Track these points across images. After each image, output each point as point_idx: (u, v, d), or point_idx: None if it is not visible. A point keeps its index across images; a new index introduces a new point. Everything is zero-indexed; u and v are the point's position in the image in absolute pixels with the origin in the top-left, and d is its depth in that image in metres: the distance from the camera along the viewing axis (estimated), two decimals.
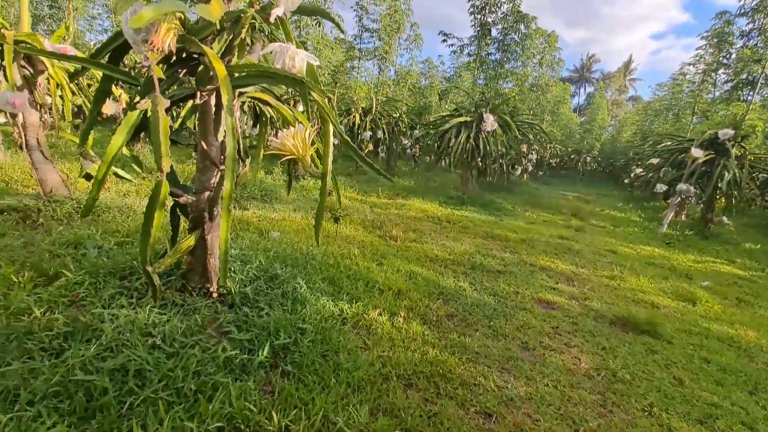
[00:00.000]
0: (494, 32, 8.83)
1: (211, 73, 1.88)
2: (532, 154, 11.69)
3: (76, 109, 6.77)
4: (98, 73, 4.04)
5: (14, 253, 2.89)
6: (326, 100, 1.68)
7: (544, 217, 8.82)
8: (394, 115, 11.06)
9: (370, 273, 3.56)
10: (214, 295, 2.48)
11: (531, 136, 10.06)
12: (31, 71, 3.70)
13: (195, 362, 1.86)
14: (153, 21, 1.28)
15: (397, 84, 13.08)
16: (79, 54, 3.25)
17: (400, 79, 13.21)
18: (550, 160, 18.54)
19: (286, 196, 6.41)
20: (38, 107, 3.90)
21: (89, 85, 6.10)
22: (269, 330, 2.26)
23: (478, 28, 8.66)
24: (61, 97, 4.02)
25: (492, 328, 2.99)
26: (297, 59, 1.70)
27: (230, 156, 1.64)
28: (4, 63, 3.19)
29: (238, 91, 1.98)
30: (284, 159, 1.91)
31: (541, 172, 17.84)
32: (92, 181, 2.11)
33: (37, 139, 3.98)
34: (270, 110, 2.48)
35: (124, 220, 4.00)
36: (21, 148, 4.27)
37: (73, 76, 3.15)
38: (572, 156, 22.64)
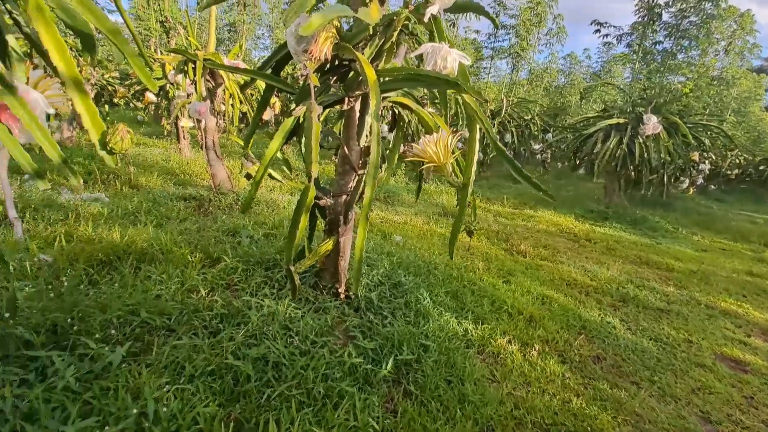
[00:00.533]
0: (665, 16, 7.33)
1: (360, 79, 1.88)
2: (704, 163, 9.37)
3: (240, 115, 7.97)
4: (261, 85, 4.63)
5: (191, 236, 3.45)
6: (478, 103, 1.50)
7: (722, 244, 6.98)
8: (526, 117, 10.22)
9: (497, 291, 3.24)
10: (342, 296, 2.53)
11: (707, 142, 8.04)
12: (213, 84, 4.43)
13: (324, 364, 1.88)
14: (314, 31, 1.28)
15: (530, 83, 12.08)
16: (248, 67, 3.74)
17: (534, 78, 12.16)
18: (728, 172, 14.68)
19: (408, 199, 6.44)
20: (215, 114, 4.66)
21: (251, 95, 7.13)
22: (393, 342, 2.18)
23: (644, 13, 7.30)
24: (232, 105, 4.73)
25: (656, 385, 2.38)
26: (449, 59, 1.54)
27: (373, 163, 1.58)
28: (195, 78, 3.86)
29: (382, 95, 1.94)
30: (424, 167, 1.78)
31: (713, 186, 14.28)
32: (251, 180, 2.34)
33: (213, 140, 4.76)
34: (407, 115, 2.41)
35: (270, 214, 4.49)
36: (201, 148, 5.18)
37: (244, 87, 3.64)
38: (761, 167, 17.62)
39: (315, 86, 1.61)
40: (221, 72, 4.14)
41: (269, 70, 2.18)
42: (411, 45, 2.10)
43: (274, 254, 2.95)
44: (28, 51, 1.63)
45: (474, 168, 1.73)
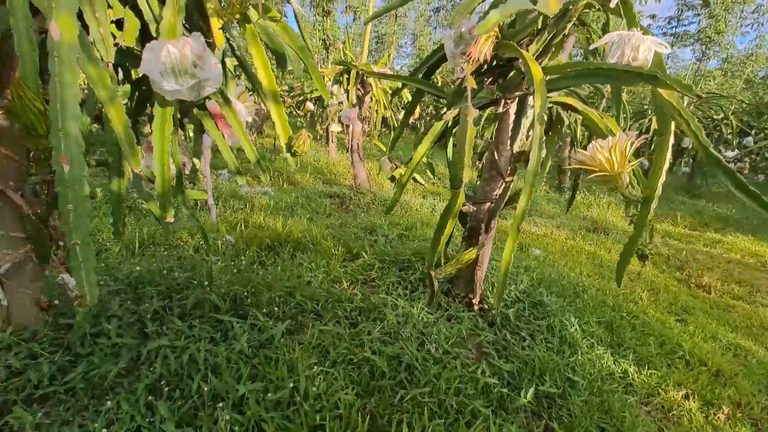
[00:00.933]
0: None
1: (520, 79, 1.74)
2: None
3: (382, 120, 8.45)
4: (408, 95, 4.81)
5: (335, 230, 3.80)
6: (682, 101, 1.20)
7: None
8: (715, 116, 8.17)
9: (667, 330, 2.64)
10: (476, 308, 2.41)
11: None
12: (362, 92, 4.80)
13: (456, 377, 1.81)
14: (491, 29, 1.22)
15: (725, 74, 9.63)
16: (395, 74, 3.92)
17: (730, 68, 9.64)
18: None
19: (549, 209, 5.85)
20: (362, 119, 5.04)
21: (391, 101, 7.52)
22: (533, 368, 1.97)
23: None
24: (376, 111, 5.04)
25: None
26: (642, 49, 1.29)
27: (533, 170, 1.43)
28: (348, 87, 4.24)
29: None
30: (592, 176, 1.54)
31: None
32: (396, 183, 2.42)
33: (357, 144, 5.16)
34: (567, 116, 2.15)
35: (404, 215, 4.64)
36: (347, 150, 5.67)
37: (395, 93, 3.83)
38: None
39: (473, 89, 1.54)
40: (370, 80, 4.45)
41: (420, 75, 2.22)
42: (583, 38, 1.86)
43: (409, 255, 3.01)
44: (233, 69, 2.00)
45: (662, 179, 1.42)
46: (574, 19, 1.46)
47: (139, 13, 1.21)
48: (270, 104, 1.22)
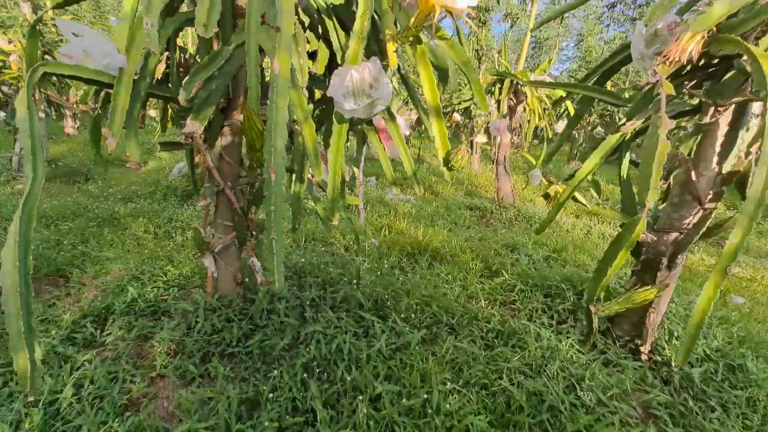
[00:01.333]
0: None
1: (739, 82, 1.37)
2: None
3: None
4: (570, 105, 4.38)
5: (473, 244, 3.70)
6: None
7: None
8: None
9: None
10: (644, 357, 1.99)
11: None
12: (514, 102, 4.57)
13: None
14: (713, 25, 0.99)
15: None
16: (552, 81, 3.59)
17: None
18: None
19: (756, 244, 4.48)
20: (511, 130, 4.80)
21: (545, 110, 6.95)
22: None
23: None
24: (528, 121, 4.72)
25: None
26: None
27: (755, 199, 1.10)
28: (500, 97, 4.08)
29: None
30: None
31: None
32: (550, 200, 2.20)
33: (504, 155, 4.93)
34: None
35: (552, 234, 4.20)
36: (492, 162, 5.47)
37: (555, 103, 3.54)
38: None
39: (668, 95, 1.28)
40: (524, 89, 4.20)
41: (592, 82, 1.97)
42: None
43: (557, 281, 2.70)
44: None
45: None
46: None
47: (328, 44, 1.40)
48: (432, 119, 1.26)
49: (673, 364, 1.89)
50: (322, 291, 2.31)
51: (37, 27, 1.57)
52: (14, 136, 5.24)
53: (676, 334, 2.13)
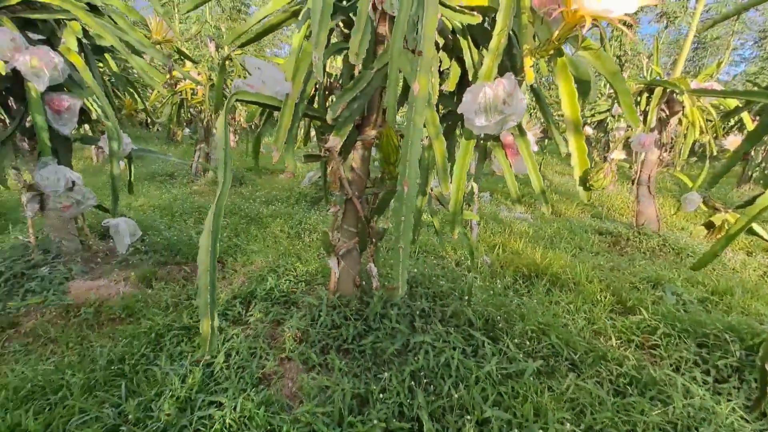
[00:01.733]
0: None
1: None
2: None
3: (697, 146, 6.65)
4: (748, 118, 3.58)
5: (603, 273, 3.27)
6: None
7: None
8: None
9: None
10: None
11: None
12: (666, 113, 3.93)
13: None
14: None
15: None
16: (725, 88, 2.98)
17: None
18: None
19: None
20: (660, 146, 4.13)
21: (708, 121, 5.79)
22: None
23: None
24: (685, 135, 4.00)
25: None
26: None
27: None
28: (649, 108, 3.56)
29: None
30: None
31: None
32: (714, 231, 1.84)
33: (649, 175, 4.27)
34: None
35: (712, 272, 3.45)
36: (632, 182, 4.79)
37: (726, 116, 2.95)
38: None
39: None
40: (681, 98, 3.58)
41: None
42: None
43: (718, 329, 2.21)
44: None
45: None
46: None
47: (460, 63, 1.44)
48: (571, 134, 1.18)
49: None
50: (432, 303, 2.34)
51: (225, 63, 1.98)
52: (195, 148, 6.63)
53: None
